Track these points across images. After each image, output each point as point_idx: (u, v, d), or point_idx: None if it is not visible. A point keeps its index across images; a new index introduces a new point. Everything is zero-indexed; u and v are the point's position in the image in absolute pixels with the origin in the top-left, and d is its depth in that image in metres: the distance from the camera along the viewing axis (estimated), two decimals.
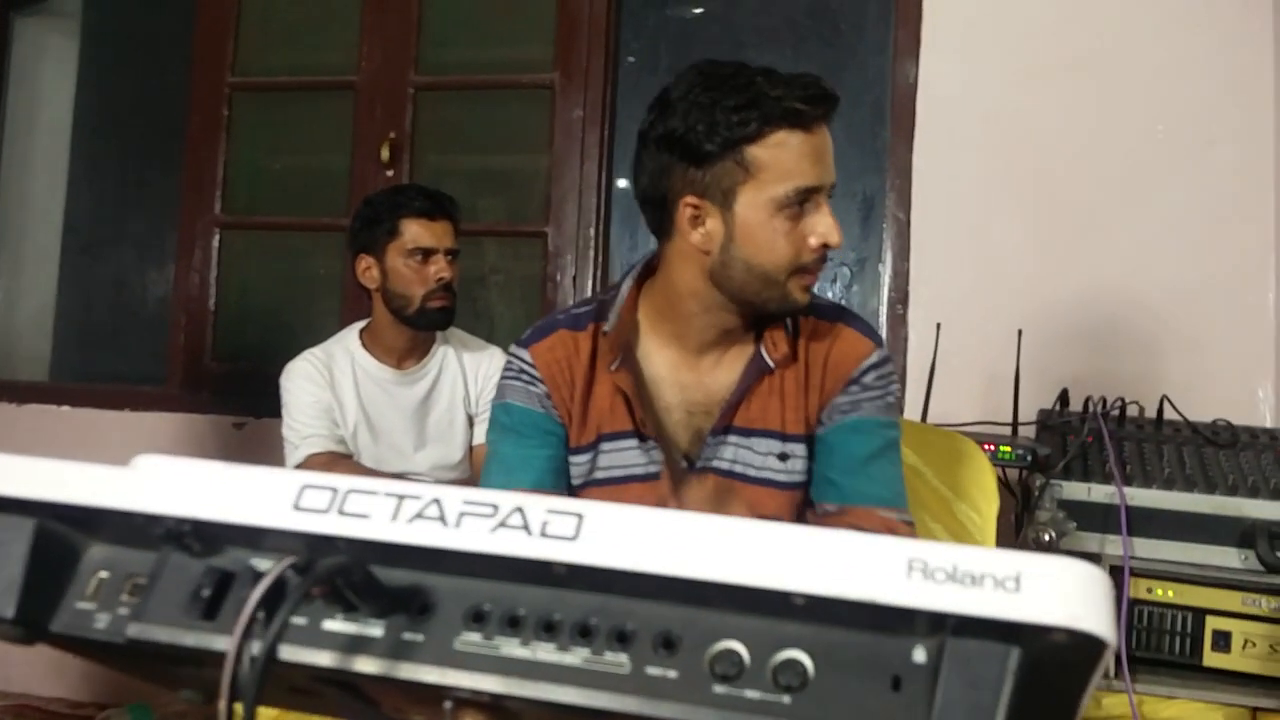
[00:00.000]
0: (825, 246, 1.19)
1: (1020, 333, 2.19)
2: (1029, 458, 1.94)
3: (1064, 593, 0.44)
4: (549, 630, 0.51)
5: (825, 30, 2.78)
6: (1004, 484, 2.14)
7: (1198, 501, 1.76)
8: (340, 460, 2.07)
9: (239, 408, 2.93)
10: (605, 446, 1.28)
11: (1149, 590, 1.76)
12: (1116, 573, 1.74)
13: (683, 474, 1.27)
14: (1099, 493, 1.79)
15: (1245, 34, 2.46)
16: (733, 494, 1.24)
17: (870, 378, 1.26)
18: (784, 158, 1.16)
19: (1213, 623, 1.73)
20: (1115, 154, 2.51)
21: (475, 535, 0.51)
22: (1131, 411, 2.11)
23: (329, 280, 3.01)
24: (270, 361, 2.27)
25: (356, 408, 2.13)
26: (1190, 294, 2.43)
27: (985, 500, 1.62)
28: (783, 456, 1.25)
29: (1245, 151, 2.44)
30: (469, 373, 2.21)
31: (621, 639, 0.50)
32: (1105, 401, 2.08)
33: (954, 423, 2.25)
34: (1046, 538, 1.78)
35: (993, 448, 1.97)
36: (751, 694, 0.48)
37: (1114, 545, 1.76)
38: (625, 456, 1.27)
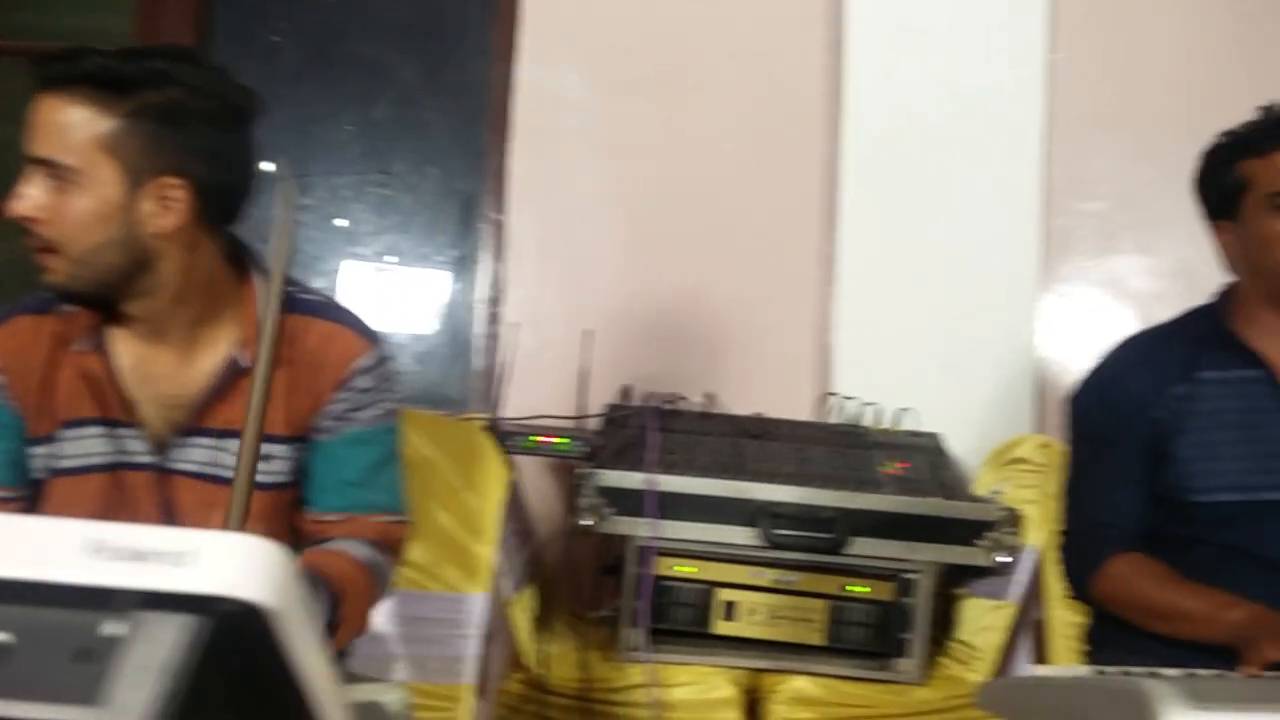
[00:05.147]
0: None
1: (589, 333, 2.34)
2: (584, 450, 2.09)
3: (231, 565, 0.49)
4: None
5: (430, 27, 2.82)
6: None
7: (717, 486, 1.96)
8: None
9: None
10: (68, 434, 1.23)
11: (672, 568, 1.94)
12: (646, 552, 1.91)
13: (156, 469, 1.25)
14: (634, 480, 1.95)
15: (801, 64, 2.74)
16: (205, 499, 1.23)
17: (366, 380, 1.29)
18: None
19: (724, 595, 1.94)
20: (691, 166, 2.71)
21: None
22: (693, 406, 2.33)
23: None
24: None
25: None
26: (748, 298, 2.69)
27: (494, 487, 1.72)
28: (263, 458, 1.26)
29: (797, 168, 2.72)
30: None
31: None
32: (661, 397, 2.28)
33: (528, 416, 2.36)
34: (587, 523, 1.92)
35: (550, 440, 2.10)
36: None
37: (648, 528, 1.93)
38: (87, 445, 1.23)
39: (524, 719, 1.89)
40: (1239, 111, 1.66)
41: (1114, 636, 1.54)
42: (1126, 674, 0.85)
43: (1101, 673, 0.92)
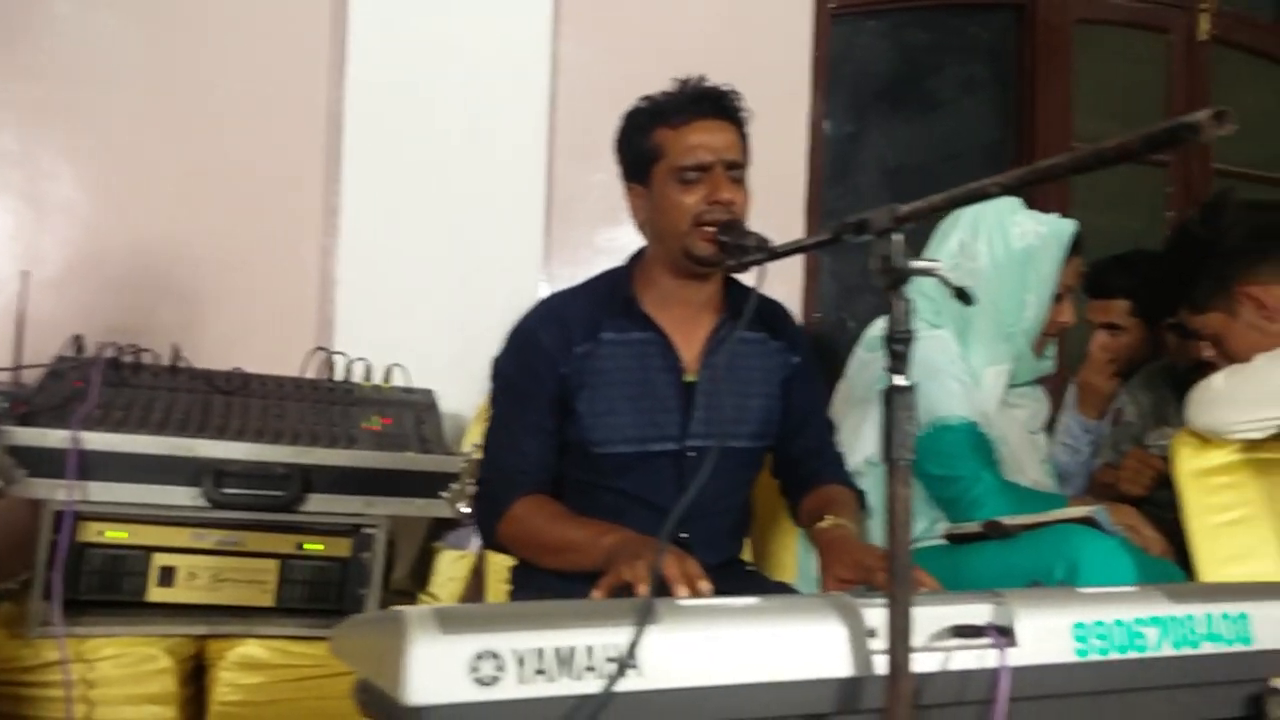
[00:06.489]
0: None
1: (26, 274, 2.07)
2: (4, 405, 1.84)
3: None
4: None
5: None
6: None
7: (157, 444, 1.81)
8: None
9: None
10: None
11: (100, 533, 1.77)
12: (64, 517, 1.72)
13: None
14: (53, 438, 1.75)
15: (307, 6, 2.60)
16: None
17: None
18: None
19: (160, 559, 1.80)
20: (181, 100, 2.48)
21: None
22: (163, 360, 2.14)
23: None
24: None
25: None
26: (240, 248, 2.51)
27: None
28: None
29: (300, 115, 2.57)
30: None
31: None
32: (118, 349, 2.07)
33: None
34: None
35: None
36: None
37: (65, 490, 1.74)
38: None
39: None
40: None
41: (528, 575, 1.60)
42: (400, 609, 0.86)
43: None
